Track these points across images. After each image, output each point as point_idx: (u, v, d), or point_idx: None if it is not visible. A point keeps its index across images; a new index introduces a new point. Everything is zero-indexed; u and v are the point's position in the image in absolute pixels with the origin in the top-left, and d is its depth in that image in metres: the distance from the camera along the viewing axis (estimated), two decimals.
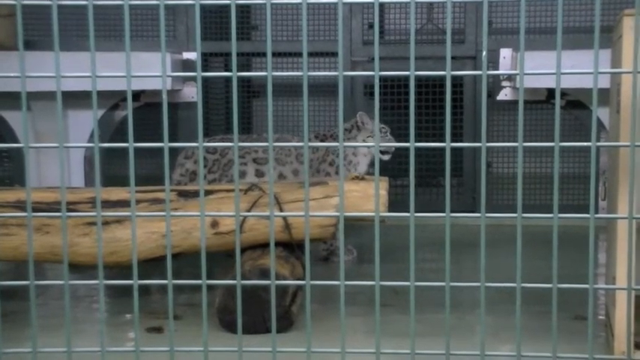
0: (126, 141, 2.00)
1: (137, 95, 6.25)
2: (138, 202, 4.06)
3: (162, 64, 1.95)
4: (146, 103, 6.33)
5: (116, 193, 4.20)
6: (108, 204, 4.07)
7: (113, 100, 6.28)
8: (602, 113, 3.63)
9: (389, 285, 2.06)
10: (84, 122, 6.03)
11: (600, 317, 3.69)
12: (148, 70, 5.14)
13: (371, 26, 6.81)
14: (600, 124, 5.37)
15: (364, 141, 5.21)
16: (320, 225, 3.99)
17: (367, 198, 4.01)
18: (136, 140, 2.00)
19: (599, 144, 1.97)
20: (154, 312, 3.71)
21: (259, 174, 5.13)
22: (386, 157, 5.24)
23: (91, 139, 6.04)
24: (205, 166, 5.00)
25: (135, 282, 2.03)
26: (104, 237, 3.78)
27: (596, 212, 1.91)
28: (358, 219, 4.89)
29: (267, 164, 5.11)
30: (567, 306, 2.95)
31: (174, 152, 4.99)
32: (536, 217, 2.02)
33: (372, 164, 5.34)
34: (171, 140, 1.99)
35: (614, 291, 3.02)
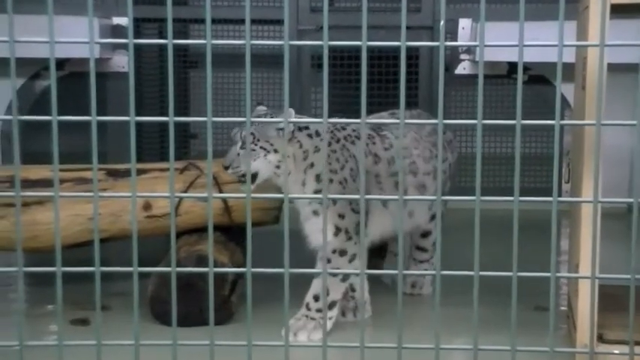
0: (48, 114, 1.97)
1: (61, 63, 6.15)
2: (61, 181, 4.01)
3: (89, 29, 1.92)
4: (71, 73, 6.23)
5: (37, 172, 4.15)
6: (27, 183, 4.02)
7: (34, 68, 6.17)
8: (566, 89, 3.68)
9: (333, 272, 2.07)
10: (0, 93, 5.92)
11: (562, 308, 3.76)
12: (73, 35, 5.05)
13: None
14: (564, 100, 5.46)
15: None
16: (262, 208, 3.99)
17: None
18: (60, 113, 1.97)
19: (563, 122, 2.00)
20: (79, 302, 3.67)
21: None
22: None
23: (8, 112, 5.93)
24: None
25: (58, 269, 2.01)
26: (23, 220, 3.72)
27: (560, 195, 1.94)
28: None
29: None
30: (527, 296, 3.00)
31: (102, 127, 4.93)
32: (496, 199, 2.04)
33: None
34: (99, 113, 1.97)
35: (577, 280, 3.08)
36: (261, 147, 3.54)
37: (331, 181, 3.57)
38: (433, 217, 4.08)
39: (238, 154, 3.58)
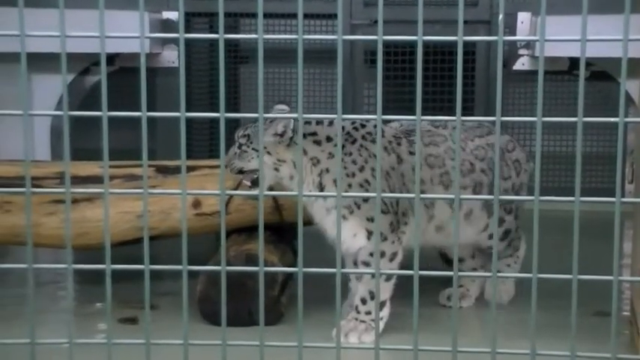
0: (97, 109, 1.99)
1: (111, 59, 6.23)
2: (111, 178, 4.06)
3: (140, 24, 1.94)
4: (121, 68, 6.30)
5: (86, 168, 4.21)
6: (77, 180, 4.07)
7: (83, 63, 6.24)
8: (630, 86, 3.64)
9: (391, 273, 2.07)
10: (50, 88, 6.00)
11: (624, 313, 3.71)
12: (123, 30, 5.08)
13: None
14: (629, 97, 5.37)
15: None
16: None
17: None
18: (110, 109, 1.99)
19: (627, 120, 1.97)
20: (128, 301, 3.72)
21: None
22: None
23: (58, 107, 6.01)
24: None
25: (107, 267, 2.03)
26: (72, 217, 3.78)
27: (623, 196, 1.91)
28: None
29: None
30: (586, 300, 2.96)
31: (151, 123, 4.96)
32: (556, 200, 2.02)
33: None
34: (149, 109, 1.99)
35: None
36: (253, 149, 3.54)
37: (350, 186, 3.54)
38: (491, 237, 3.89)
39: (235, 154, 3.60)
